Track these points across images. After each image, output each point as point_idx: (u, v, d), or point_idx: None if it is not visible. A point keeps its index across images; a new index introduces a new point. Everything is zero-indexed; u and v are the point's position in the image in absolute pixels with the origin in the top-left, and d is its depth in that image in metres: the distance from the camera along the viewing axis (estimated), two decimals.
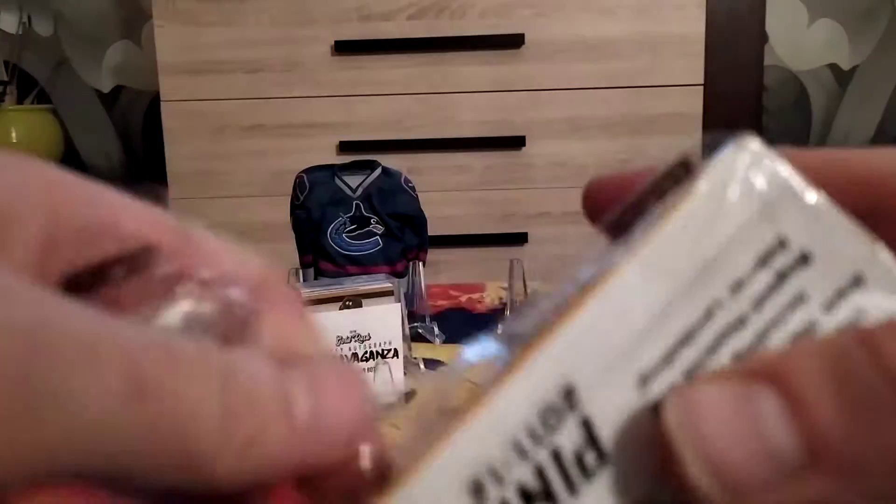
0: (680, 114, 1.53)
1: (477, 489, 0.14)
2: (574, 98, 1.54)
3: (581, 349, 0.15)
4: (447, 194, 1.55)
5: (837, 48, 1.87)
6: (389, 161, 1.12)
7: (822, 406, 0.13)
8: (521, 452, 0.14)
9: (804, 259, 0.15)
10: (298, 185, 1.06)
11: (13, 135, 1.81)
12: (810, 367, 0.14)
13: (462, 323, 0.98)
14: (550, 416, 0.15)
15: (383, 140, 1.54)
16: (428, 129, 1.54)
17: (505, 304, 0.99)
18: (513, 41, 1.51)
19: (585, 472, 0.14)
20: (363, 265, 1.02)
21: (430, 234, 1.08)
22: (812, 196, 0.16)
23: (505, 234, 1.56)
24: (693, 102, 1.52)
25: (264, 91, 1.54)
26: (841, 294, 0.15)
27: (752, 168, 0.16)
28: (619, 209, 0.18)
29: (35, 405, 0.11)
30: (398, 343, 0.76)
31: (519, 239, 1.56)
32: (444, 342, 0.92)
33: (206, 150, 1.56)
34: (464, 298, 1.07)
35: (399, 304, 0.77)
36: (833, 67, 1.89)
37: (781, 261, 0.15)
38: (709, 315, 0.15)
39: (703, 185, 0.15)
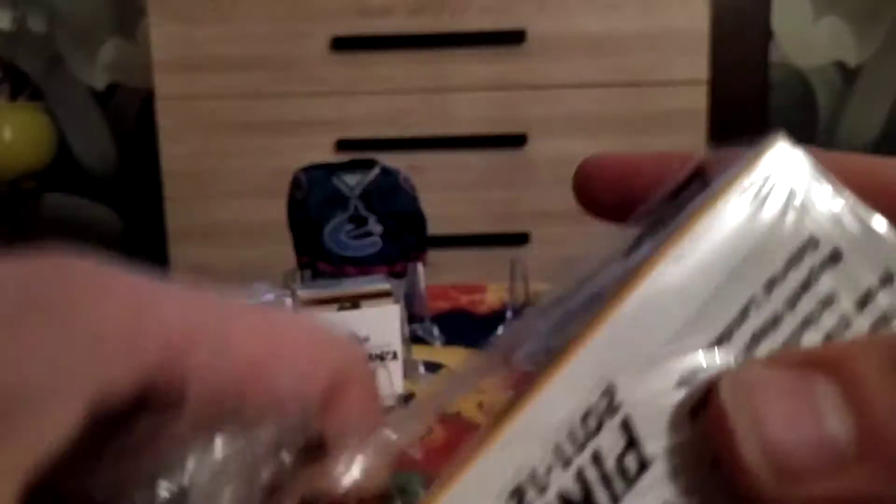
0: (684, 111, 1.51)
1: (518, 497, 0.14)
2: (576, 95, 1.52)
3: (620, 348, 0.15)
4: (447, 193, 1.53)
5: (844, 45, 1.86)
6: (388, 159, 1.10)
7: (880, 398, 0.13)
8: (563, 457, 0.14)
9: (834, 258, 0.16)
10: (296, 184, 1.05)
11: (6, 133, 1.80)
12: (870, 360, 0.14)
13: (462, 325, 0.97)
14: (591, 418, 0.15)
15: (382, 138, 1.52)
16: (428, 127, 1.53)
17: (506, 306, 0.98)
18: (514, 37, 1.50)
19: (626, 475, 0.15)
20: (361, 266, 1.01)
21: (429, 233, 1.07)
22: (841, 195, 0.16)
23: (506, 234, 1.55)
24: (697, 99, 1.51)
25: (261, 88, 1.53)
26: (872, 292, 0.15)
27: (782, 169, 0.16)
28: (634, 217, 0.18)
29: None
30: (397, 345, 0.76)
31: (520, 239, 1.55)
32: (444, 344, 0.91)
33: (201, 149, 1.55)
34: (464, 300, 1.06)
35: (398, 306, 0.76)
36: (839, 64, 1.88)
37: (812, 260, 0.16)
38: (745, 314, 0.15)
39: (734, 185, 0.16)
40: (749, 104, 1.80)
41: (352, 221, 1.02)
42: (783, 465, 0.14)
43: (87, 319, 0.16)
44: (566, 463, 0.14)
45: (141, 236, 2.03)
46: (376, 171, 1.05)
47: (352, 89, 1.53)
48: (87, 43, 1.96)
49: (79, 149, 2.01)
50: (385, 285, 0.77)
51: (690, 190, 0.17)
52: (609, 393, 0.15)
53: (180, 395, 0.16)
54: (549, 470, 0.14)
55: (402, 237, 1.04)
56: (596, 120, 1.53)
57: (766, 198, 0.16)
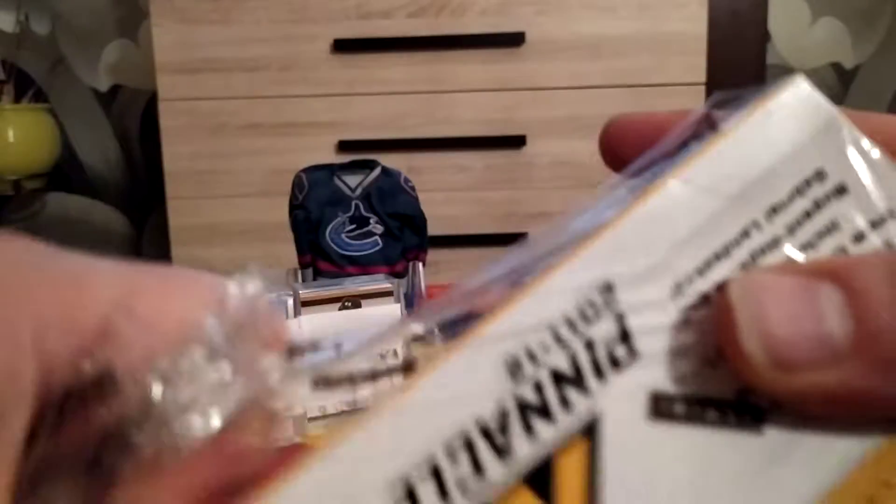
0: None
1: (514, 366, 0.16)
2: (575, 97, 1.53)
3: (623, 252, 0.16)
4: (447, 194, 1.54)
5: (840, 47, 1.87)
6: (389, 160, 1.11)
7: (880, 303, 0.14)
8: (558, 339, 0.16)
9: (840, 191, 0.16)
10: (297, 184, 1.05)
11: (10, 134, 1.80)
12: (875, 271, 0.15)
13: (462, 324, 0.97)
14: (588, 309, 0.16)
15: (383, 139, 1.53)
16: (428, 128, 1.54)
17: None
18: (513, 39, 1.50)
19: (615, 363, 0.16)
20: (362, 265, 1.01)
21: (429, 234, 1.07)
22: (854, 135, 0.17)
23: (505, 234, 1.55)
24: (695, 101, 1.51)
25: (263, 90, 1.54)
26: (872, 226, 0.16)
27: (799, 104, 0.17)
28: (640, 160, 0.19)
29: None
30: (398, 343, 0.76)
31: (519, 239, 1.55)
32: (444, 343, 0.92)
33: (203, 150, 1.55)
34: None
35: (399, 305, 0.77)
36: (836, 66, 1.88)
37: (818, 191, 0.16)
38: (745, 234, 0.16)
39: (753, 115, 0.17)
40: None
41: (353, 222, 1.03)
42: (780, 354, 0.15)
43: (22, 305, 0.16)
44: (561, 344, 0.16)
45: (144, 236, 2.04)
46: (377, 171, 1.05)
47: (353, 91, 1.54)
48: (90, 45, 1.97)
49: (82, 150, 2.02)
50: (386, 284, 0.78)
51: (700, 135, 0.18)
52: (607, 291, 0.16)
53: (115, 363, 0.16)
54: (544, 348, 0.16)
55: (403, 237, 1.04)
56: (594, 121, 1.53)
57: (779, 130, 0.17)
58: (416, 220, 1.05)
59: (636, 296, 0.16)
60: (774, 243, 0.16)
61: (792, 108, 0.17)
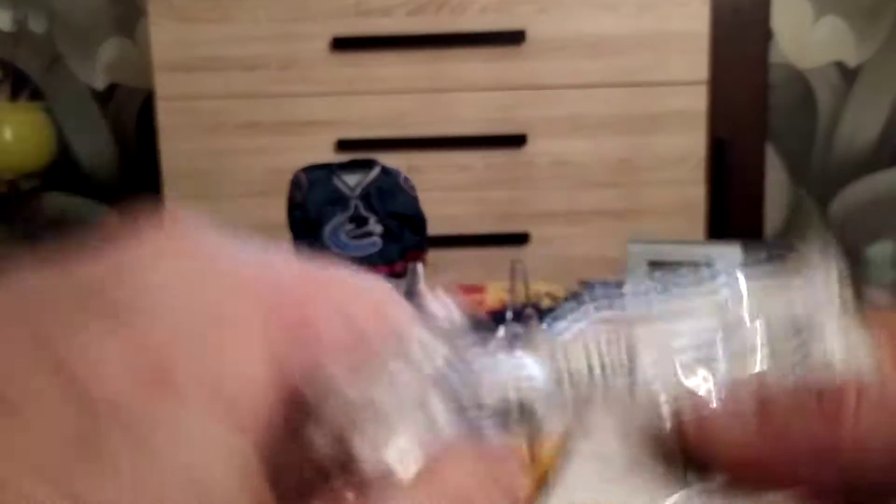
0: (684, 111, 1.51)
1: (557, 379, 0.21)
2: (576, 95, 1.52)
3: (658, 331, 0.22)
4: (447, 193, 1.53)
5: (843, 45, 1.86)
6: (388, 159, 1.10)
7: (778, 411, 0.22)
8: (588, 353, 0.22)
9: (819, 340, 0.23)
10: (296, 183, 1.05)
11: (6, 133, 1.80)
12: (786, 397, 0.22)
13: None
14: (613, 349, 0.22)
15: (382, 138, 1.52)
16: (428, 127, 1.53)
17: (506, 306, 0.98)
18: (514, 37, 1.50)
19: (623, 368, 0.22)
20: (361, 266, 1.01)
21: (429, 234, 1.07)
22: (850, 315, 0.23)
23: (506, 233, 1.55)
24: (697, 100, 1.51)
25: (261, 88, 1.53)
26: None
27: (817, 274, 0.23)
28: None
29: None
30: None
31: (520, 239, 1.54)
32: None
33: (201, 149, 1.55)
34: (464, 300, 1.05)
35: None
36: (839, 65, 1.87)
37: (805, 336, 0.23)
38: (752, 351, 0.22)
39: (810, 269, 0.23)
40: (749, 104, 1.79)
41: (352, 221, 1.02)
42: (704, 441, 0.22)
43: (249, 306, 0.16)
44: (588, 356, 0.21)
45: None
46: (376, 171, 1.05)
47: (352, 89, 1.53)
48: (87, 43, 1.96)
49: (79, 149, 2.01)
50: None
51: None
52: (630, 348, 0.22)
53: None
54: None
55: (402, 237, 1.03)
56: (595, 120, 1.53)
57: (806, 285, 0.23)
58: (415, 220, 1.04)
59: (646, 353, 0.22)
60: (771, 356, 0.22)
61: (815, 275, 0.23)
